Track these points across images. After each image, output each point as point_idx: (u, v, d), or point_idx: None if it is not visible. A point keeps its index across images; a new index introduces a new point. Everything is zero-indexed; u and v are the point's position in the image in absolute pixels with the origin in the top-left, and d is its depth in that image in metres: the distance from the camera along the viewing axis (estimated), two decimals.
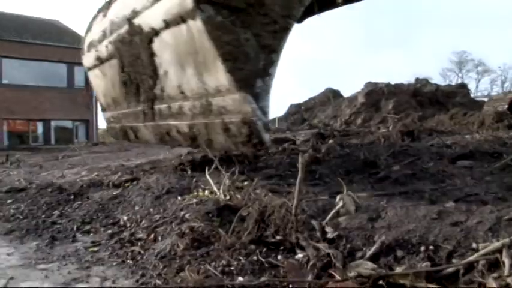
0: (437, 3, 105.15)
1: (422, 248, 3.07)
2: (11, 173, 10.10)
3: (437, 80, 46.73)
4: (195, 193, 4.72)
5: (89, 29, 7.08)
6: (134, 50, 5.41)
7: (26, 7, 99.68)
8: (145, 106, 5.72)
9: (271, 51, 3.94)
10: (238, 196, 4.21)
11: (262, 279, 2.70)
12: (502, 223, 3.16)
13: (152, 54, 5.01)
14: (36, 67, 30.91)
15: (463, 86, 33.22)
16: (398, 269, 2.77)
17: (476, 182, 4.86)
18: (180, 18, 4.05)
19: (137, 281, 3.09)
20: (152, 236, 3.92)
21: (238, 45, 3.77)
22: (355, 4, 6.43)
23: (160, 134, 5.76)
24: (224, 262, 3.05)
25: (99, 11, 6.72)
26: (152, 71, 5.19)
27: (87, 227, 4.63)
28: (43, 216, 5.15)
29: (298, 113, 39.08)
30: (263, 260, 3.05)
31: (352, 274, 2.71)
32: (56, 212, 5.27)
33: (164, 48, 4.73)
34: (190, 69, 4.38)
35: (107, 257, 3.66)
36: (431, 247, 3.08)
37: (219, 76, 3.89)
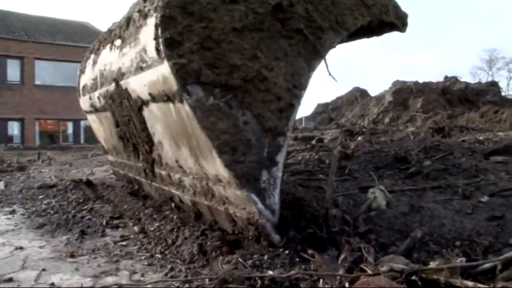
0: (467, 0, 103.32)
1: (457, 243, 2.99)
2: (43, 170, 10.29)
3: (466, 78, 45.65)
4: None
5: (82, 71, 6.29)
6: (125, 112, 4.68)
7: (58, 10, 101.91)
8: (145, 165, 4.88)
9: (277, 134, 3.18)
10: None
11: (292, 272, 2.65)
12: None
13: (144, 121, 4.28)
14: (67, 68, 31.29)
15: (493, 84, 32.38)
16: (432, 264, 2.69)
17: None
18: (166, 97, 3.34)
19: (166, 274, 3.09)
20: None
21: (237, 132, 3.04)
22: None
23: (164, 197, 4.84)
24: (254, 255, 3.02)
25: (91, 52, 5.91)
26: (146, 137, 4.48)
27: (116, 221, 4.66)
28: (73, 211, 5.21)
29: (325, 112, 38.90)
30: (293, 253, 3.00)
31: (384, 269, 2.64)
32: (86, 208, 5.32)
33: (155, 120, 3.99)
34: (185, 150, 3.64)
35: (135, 251, 3.68)
36: (466, 242, 3.01)
37: (217, 166, 3.17)
